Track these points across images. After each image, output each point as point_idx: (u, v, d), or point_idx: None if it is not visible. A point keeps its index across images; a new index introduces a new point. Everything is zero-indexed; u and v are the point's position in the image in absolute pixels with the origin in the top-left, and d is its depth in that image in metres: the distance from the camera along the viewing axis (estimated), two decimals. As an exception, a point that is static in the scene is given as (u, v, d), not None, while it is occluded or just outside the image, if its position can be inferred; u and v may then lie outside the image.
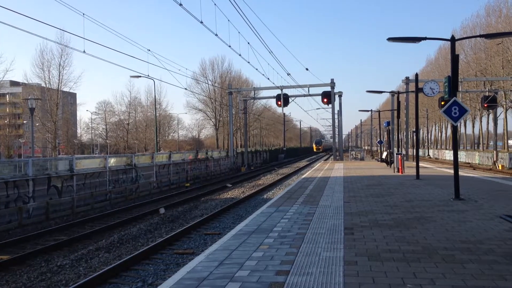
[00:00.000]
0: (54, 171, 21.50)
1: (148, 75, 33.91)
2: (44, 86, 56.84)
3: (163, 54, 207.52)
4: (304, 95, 48.45)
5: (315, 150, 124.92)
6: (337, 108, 50.71)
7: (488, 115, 59.52)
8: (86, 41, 22.01)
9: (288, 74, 48.88)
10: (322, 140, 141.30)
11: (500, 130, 58.92)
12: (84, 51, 22.03)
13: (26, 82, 62.89)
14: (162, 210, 20.43)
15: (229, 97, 52.16)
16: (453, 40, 13.19)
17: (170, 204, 22.40)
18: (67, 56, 54.47)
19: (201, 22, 21.50)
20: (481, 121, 65.66)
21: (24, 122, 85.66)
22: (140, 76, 38.38)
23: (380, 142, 50.36)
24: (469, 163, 54.78)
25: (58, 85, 54.68)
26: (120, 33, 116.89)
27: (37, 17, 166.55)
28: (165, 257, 12.04)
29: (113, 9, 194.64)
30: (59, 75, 54.42)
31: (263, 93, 68.76)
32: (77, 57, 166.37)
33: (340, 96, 50.66)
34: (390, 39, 14.50)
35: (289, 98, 46.39)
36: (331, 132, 53.85)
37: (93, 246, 13.81)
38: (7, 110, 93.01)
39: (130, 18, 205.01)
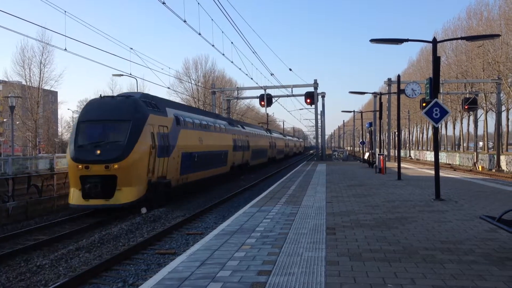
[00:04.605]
0: (34, 170, 21.22)
1: (131, 74, 33.77)
2: (25, 84, 56.09)
3: (146, 53, 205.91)
4: (288, 96, 48.56)
5: None
6: (320, 108, 50.87)
7: (469, 116, 60.34)
8: (67, 39, 21.81)
9: (272, 74, 49.00)
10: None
11: (480, 131, 59.79)
12: (65, 49, 21.72)
13: (6, 79, 61.90)
14: (143, 210, 20.25)
15: (212, 96, 52.01)
16: (434, 42, 13.34)
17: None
18: (48, 54, 53.88)
19: (185, 21, 21.40)
20: (461, 123, 66.59)
21: (4, 120, 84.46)
22: (122, 75, 38.11)
23: (363, 143, 50.60)
24: (449, 164, 55.49)
25: (39, 83, 54.01)
26: (103, 31, 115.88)
27: (18, 14, 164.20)
28: (147, 257, 11.95)
29: (95, 7, 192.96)
30: (40, 73, 53.79)
31: (247, 93, 68.65)
32: (58, 55, 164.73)
33: (323, 96, 50.77)
34: (372, 40, 14.63)
35: (273, 98, 46.48)
36: (314, 132, 54.00)
37: (74, 246, 13.63)
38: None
39: (113, 16, 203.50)
